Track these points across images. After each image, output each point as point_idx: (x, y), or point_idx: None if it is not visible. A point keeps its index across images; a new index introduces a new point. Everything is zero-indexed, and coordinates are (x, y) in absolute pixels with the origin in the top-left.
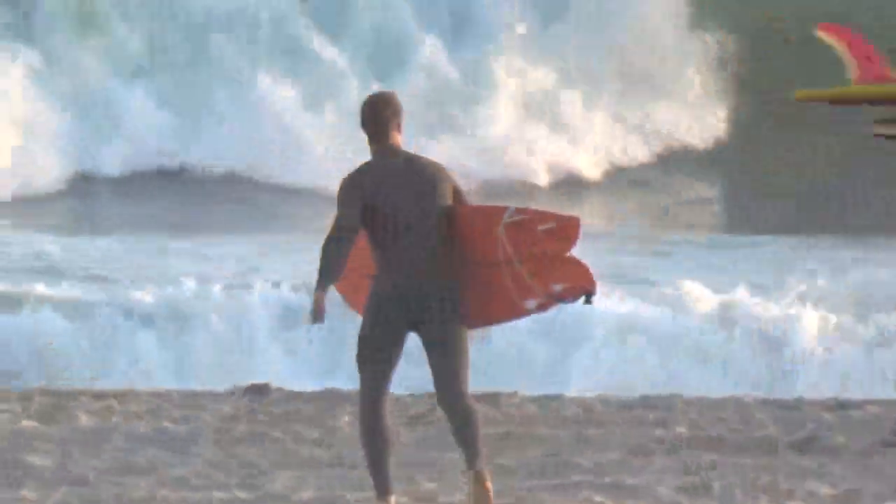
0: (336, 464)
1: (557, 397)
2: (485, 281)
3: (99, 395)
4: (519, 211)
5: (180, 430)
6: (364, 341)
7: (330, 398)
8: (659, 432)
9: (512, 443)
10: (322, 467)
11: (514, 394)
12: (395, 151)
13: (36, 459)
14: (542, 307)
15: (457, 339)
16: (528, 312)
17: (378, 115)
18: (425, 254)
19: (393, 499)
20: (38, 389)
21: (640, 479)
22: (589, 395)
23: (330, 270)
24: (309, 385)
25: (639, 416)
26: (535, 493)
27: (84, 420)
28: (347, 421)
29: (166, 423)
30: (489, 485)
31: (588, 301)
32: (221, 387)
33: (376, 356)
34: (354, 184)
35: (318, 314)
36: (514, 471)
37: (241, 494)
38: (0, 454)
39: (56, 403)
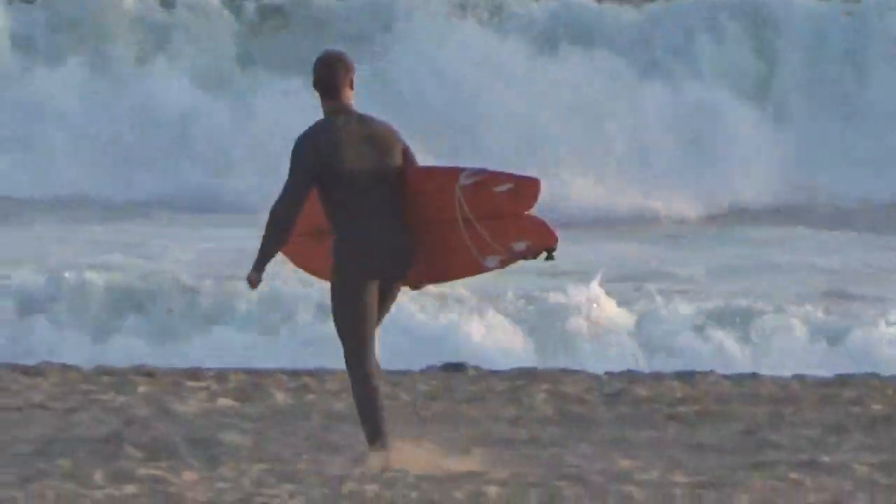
0: (531, 442)
1: (753, 376)
2: (442, 238)
3: (294, 374)
4: (475, 173)
5: None
6: (342, 303)
7: (525, 376)
8: (855, 410)
9: (708, 421)
10: (517, 446)
11: (710, 372)
12: (348, 110)
13: (232, 437)
14: (503, 263)
15: (394, 299)
16: (487, 269)
17: (331, 73)
18: (386, 211)
19: (389, 439)
20: (233, 369)
21: (837, 456)
22: (785, 373)
23: (279, 239)
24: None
25: (834, 393)
26: (733, 470)
27: (280, 398)
28: (543, 399)
29: None
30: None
31: (550, 257)
32: (416, 366)
33: (358, 315)
34: (309, 143)
35: (254, 285)
36: (712, 449)
37: (438, 472)
38: (197, 432)
39: (252, 382)
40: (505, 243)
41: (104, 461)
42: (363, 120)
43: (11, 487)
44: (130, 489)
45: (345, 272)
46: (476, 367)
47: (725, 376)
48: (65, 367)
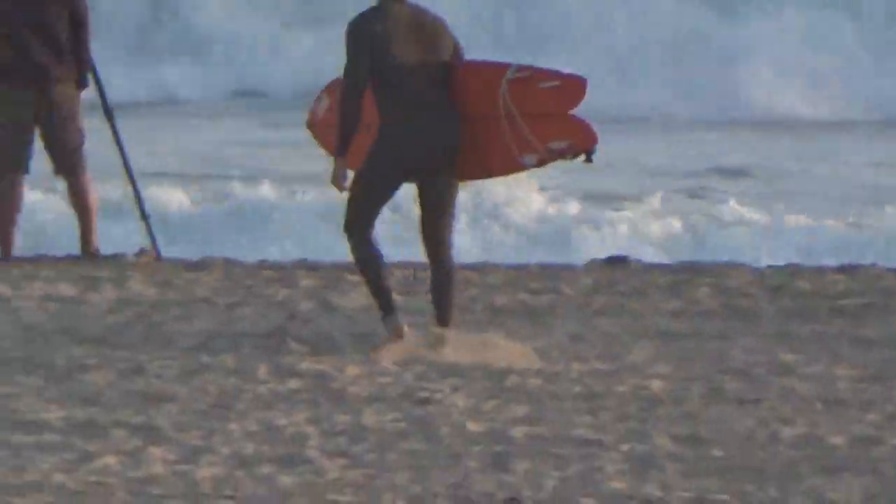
0: (693, 335)
1: None
2: (483, 135)
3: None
4: (522, 68)
5: (540, 302)
6: (364, 181)
7: (687, 270)
8: None
9: (872, 314)
10: (680, 339)
11: (873, 266)
12: (401, 1)
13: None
14: (541, 162)
15: (455, 192)
16: (524, 168)
17: None
18: (433, 104)
19: (400, 314)
20: (395, 262)
21: None
22: None
23: (350, 127)
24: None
25: None
26: None
27: None
28: (706, 293)
29: (524, 295)
30: (447, 336)
31: (589, 159)
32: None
33: (375, 198)
34: (362, 30)
35: (341, 180)
36: (875, 342)
37: (600, 366)
38: (359, 327)
39: (414, 276)
40: (544, 141)
41: (267, 356)
42: (415, 10)
43: (174, 382)
44: (293, 384)
45: (381, 152)
46: (639, 261)
47: (889, 269)
48: (228, 262)
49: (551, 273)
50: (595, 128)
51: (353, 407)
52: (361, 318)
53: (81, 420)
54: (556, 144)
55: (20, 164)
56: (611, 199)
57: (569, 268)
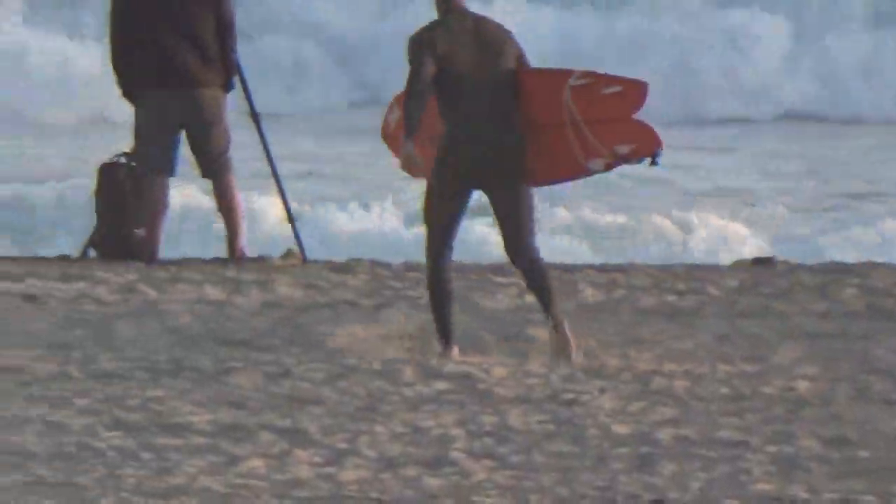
0: (839, 336)
1: None
2: (549, 141)
3: (602, 269)
4: (584, 75)
5: (685, 303)
6: (432, 197)
7: (834, 270)
8: None
9: None
10: (826, 340)
11: None
12: (463, 11)
13: (541, 333)
14: (608, 167)
15: (526, 197)
16: (591, 172)
17: None
18: (496, 112)
19: (456, 349)
20: (550, 264)
21: None
22: None
23: (412, 124)
24: None
25: None
26: None
27: (589, 293)
28: (852, 293)
29: (670, 297)
30: (568, 332)
31: (654, 163)
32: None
33: (443, 211)
34: (424, 41)
35: (412, 161)
36: None
37: (746, 367)
38: (505, 328)
39: (561, 278)
40: (609, 146)
41: (413, 358)
42: (477, 20)
43: (321, 384)
44: (440, 386)
45: (444, 162)
46: (785, 261)
47: None
48: (375, 264)
49: (697, 274)
50: (658, 131)
51: (500, 408)
52: (508, 319)
53: (228, 423)
54: (622, 149)
55: (167, 167)
56: None
57: (714, 269)
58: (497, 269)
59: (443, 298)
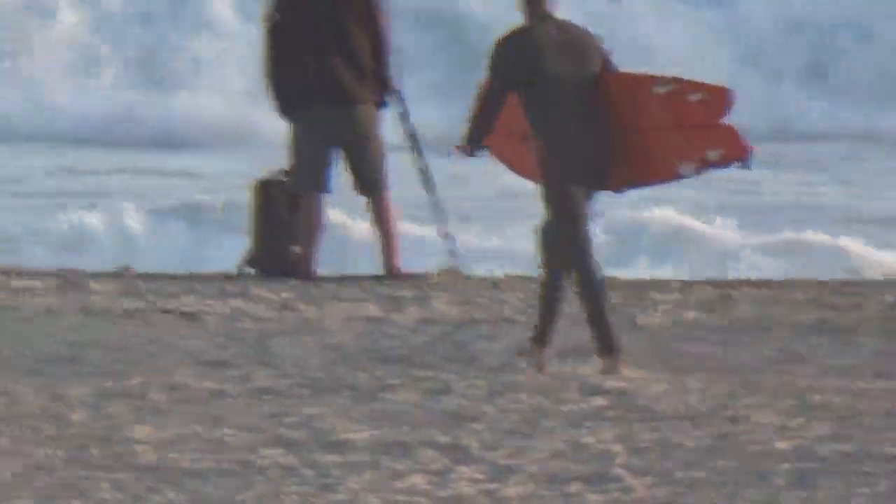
0: None
1: None
2: (639, 145)
3: (758, 285)
4: (669, 81)
5: (844, 320)
6: (558, 201)
7: None
8: None
9: None
10: None
11: None
12: (549, 16)
13: (699, 349)
14: (698, 171)
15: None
16: (682, 177)
17: None
18: (584, 116)
19: (548, 352)
20: (698, 281)
21: None
22: None
23: (479, 129)
24: None
25: None
26: None
27: (745, 310)
28: None
29: (828, 312)
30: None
31: (746, 167)
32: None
33: (574, 216)
34: (509, 46)
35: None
36: None
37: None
38: (663, 343)
39: (718, 294)
40: (701, 151)
41: (573, 374)
42: (564, 26)
43: (481, 401)
44: (600, 402)
45: (555, 178)
46: None
47: None
48: (531, 280)
49: (853, 289)
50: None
51: (660, 424)
52: (665, 335)
53: (388, 440)
54: (712, 154)
55: (323, 184)
56: None
57: (870, 284)
58: (654, 285)
59: (552, 307)
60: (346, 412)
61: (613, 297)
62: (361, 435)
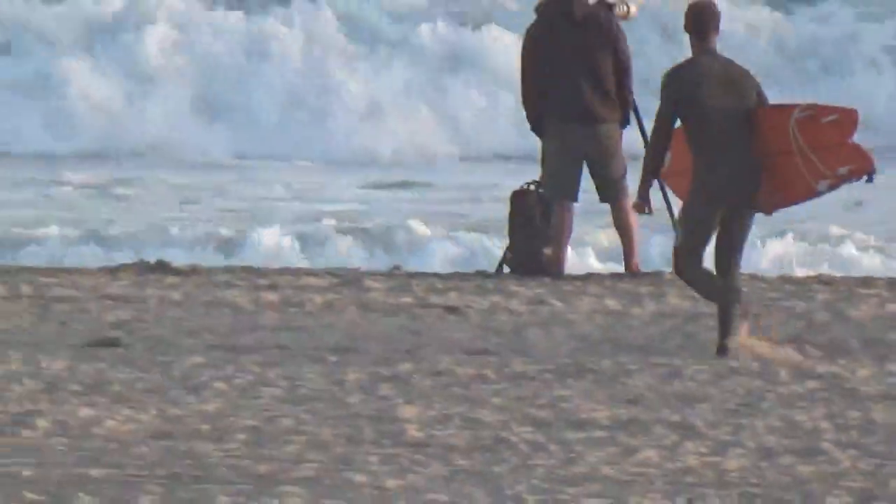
0: None
1: None
2: (781, 169)
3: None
4: (806, 107)
5: None
6: (688, 216)
7: None
8: None
9: None
10: None
11: None
12: (714, 53)
13: None
14: (831, 187)
15: (749, 225)
16: (819, 193)
17: (700, 19)
18: (739, 145)
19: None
20: None
21: None
22: None
23: (654, 163)
24: None
25: None
26: None
27: None
28: None
29: None
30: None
31: (870, 180)
32: None
33: (701, 228)
34: (675, 77)
35: (644, 205)
36: None
37: None
38: (869, 334)
39: None
40: (832, 168)
41: (787, 360)
42: (725, 62)
43: (707, 384)
44: (811, 384)
45: (698, 188)
46: None
47: None
48: (753, 278)
49: None
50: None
51: (864, 404)
52: (872, 326)
53: (625, 418)
54: (842, 170)
55: (571, 193)
56: None
57: None
58: (862, 282)
59: (708, 282)
60: (589, 394)
61: (824, 294)
62: (602, 414)
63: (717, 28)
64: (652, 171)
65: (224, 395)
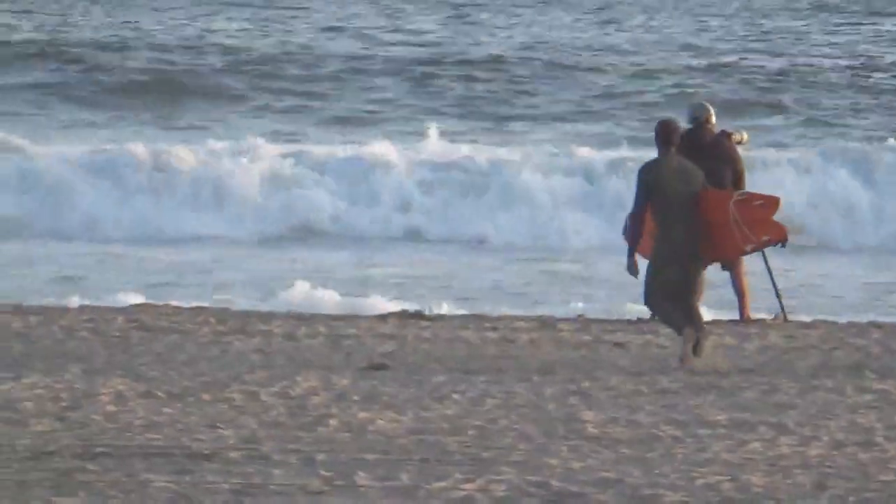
0: None
1: None
2: (720, 235)
3: None
4: (742, 193)
5: None
6: (651, 277)
7: None
8: None
9: None
10: None
11: None
12: (673, 156)
13: None
14: (754, 249)
15: (699, 276)
16: (746, 253)
17: (668, 134)
18: (687, 220)
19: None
20: None
21: None
22: None
23: (633, 240)
24: None
25: None
26: None
27: None
28: None
29: None
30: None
31: (783, 245)
32: None
33: (660, 287)
34: (647, 172)
35: (633, 270)
36: None
37: None
38: None
39: None
40: (758, 236)
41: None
42: (680, 160)
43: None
44: (869, 397)
45: (657, 255)
46: None
47: None
48: (829, 324)
49: None
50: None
51: None
52: None
53: (739, 420)
54: (765, 238)
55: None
56: None
57: None
58: None
59: (669, 312)
60: (713, 403)
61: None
62: (722, 417)
63: (678, 139)
64: (634, 245)
65: (459, 404)
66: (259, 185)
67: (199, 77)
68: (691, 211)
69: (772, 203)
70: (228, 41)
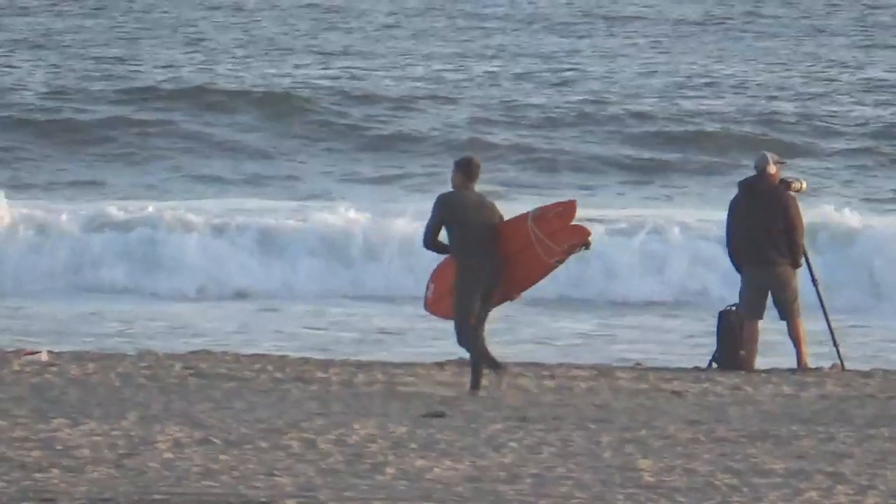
0: None
1: None
2: (524, 260)
3: None
4: (537, 209)
5: None
6: (459, 302)
7: None
8: None
9: None
10: None
11: None
12: (471, 188)
13: None
14: (560, 260)
15: (492, 306)
16: (554, 266)
17: (471, 170)
18: (488, 249)
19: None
20: None
21: None
22: None
23: (441, 251)
24: None
25: None
26: None
27: None
28: None
29: None
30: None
31: (587, 248)
32: None
33: (465, 307)
34: (442, 204)
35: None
36: None
37: None
38: None
39: None
40: (560, 245)
41: None
42: (478, 195)
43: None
44: None
45: (461, 282)
46: None
47: None
48: (887, 372)
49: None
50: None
51: None
52: None
53: (795, 469)
54: (568, 244)
55: (758, 313)
56: None
57: None
58: None
59: (476, 347)
60: (770, 452)
61: None
62: (779, 466)
63: (478, 175)
64: (441, 252)
65: (516, 451)
66: None
67: None
68: (492, 243)
69: (569, 209)
70: None
